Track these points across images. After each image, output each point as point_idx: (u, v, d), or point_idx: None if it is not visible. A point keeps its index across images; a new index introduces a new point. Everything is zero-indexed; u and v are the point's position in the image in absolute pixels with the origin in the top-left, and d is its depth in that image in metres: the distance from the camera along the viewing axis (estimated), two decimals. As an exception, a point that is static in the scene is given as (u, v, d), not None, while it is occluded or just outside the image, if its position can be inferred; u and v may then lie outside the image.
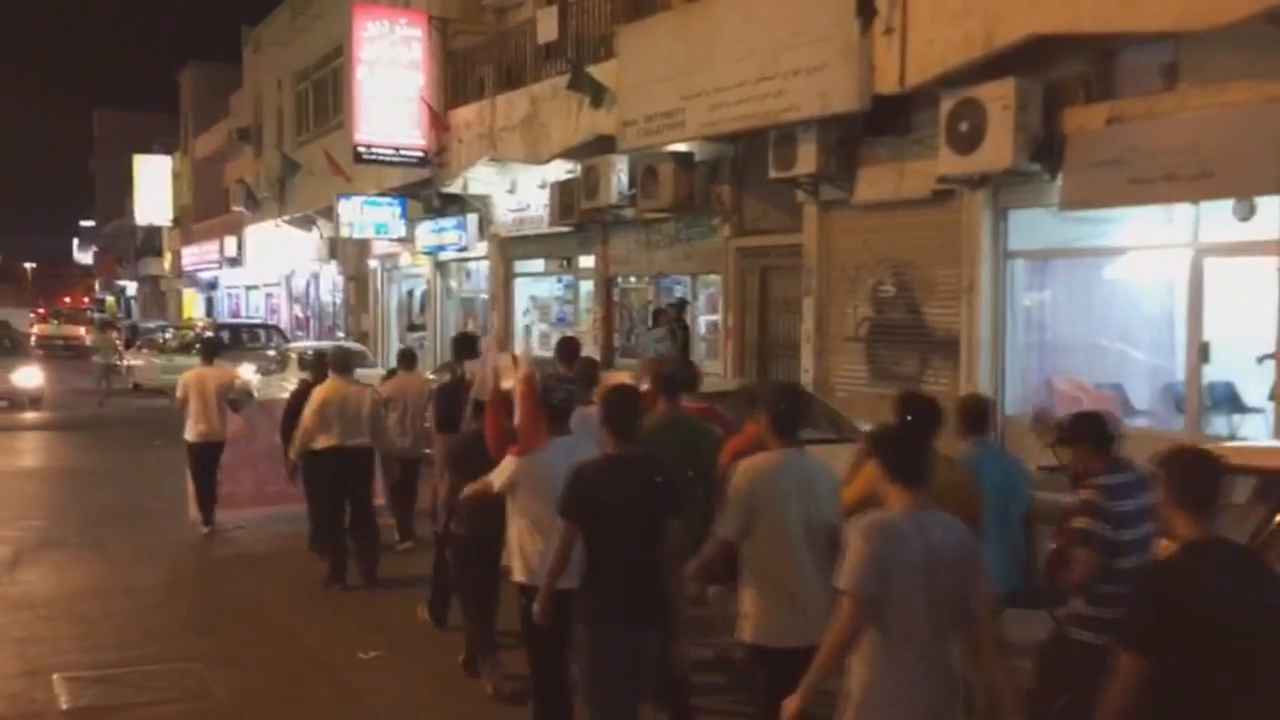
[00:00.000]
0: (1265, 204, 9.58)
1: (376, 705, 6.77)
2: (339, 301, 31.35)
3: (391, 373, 11.72)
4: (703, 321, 17.19)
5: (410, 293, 27.63)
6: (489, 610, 6.83)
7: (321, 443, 9.29)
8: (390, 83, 21.77)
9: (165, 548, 10.92)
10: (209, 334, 17.11)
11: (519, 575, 5.67)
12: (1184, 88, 10.00)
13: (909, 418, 5.36)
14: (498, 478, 5.78)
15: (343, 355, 10.30)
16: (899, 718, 3.75)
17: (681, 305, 16.63)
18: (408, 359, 11.42)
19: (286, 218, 30.99)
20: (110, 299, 71.29)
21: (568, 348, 8.95)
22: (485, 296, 23.30)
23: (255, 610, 8.72)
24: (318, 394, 9.50)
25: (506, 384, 6.34)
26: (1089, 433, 5.27)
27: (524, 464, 5.65)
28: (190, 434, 11.44)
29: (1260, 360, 9.83)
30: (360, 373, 10.97)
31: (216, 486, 11.43)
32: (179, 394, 11.62)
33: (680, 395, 6.58)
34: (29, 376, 23.02)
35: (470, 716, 6.52)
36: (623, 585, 4.89)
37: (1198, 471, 3.64)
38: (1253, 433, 10.23)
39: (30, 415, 21.85)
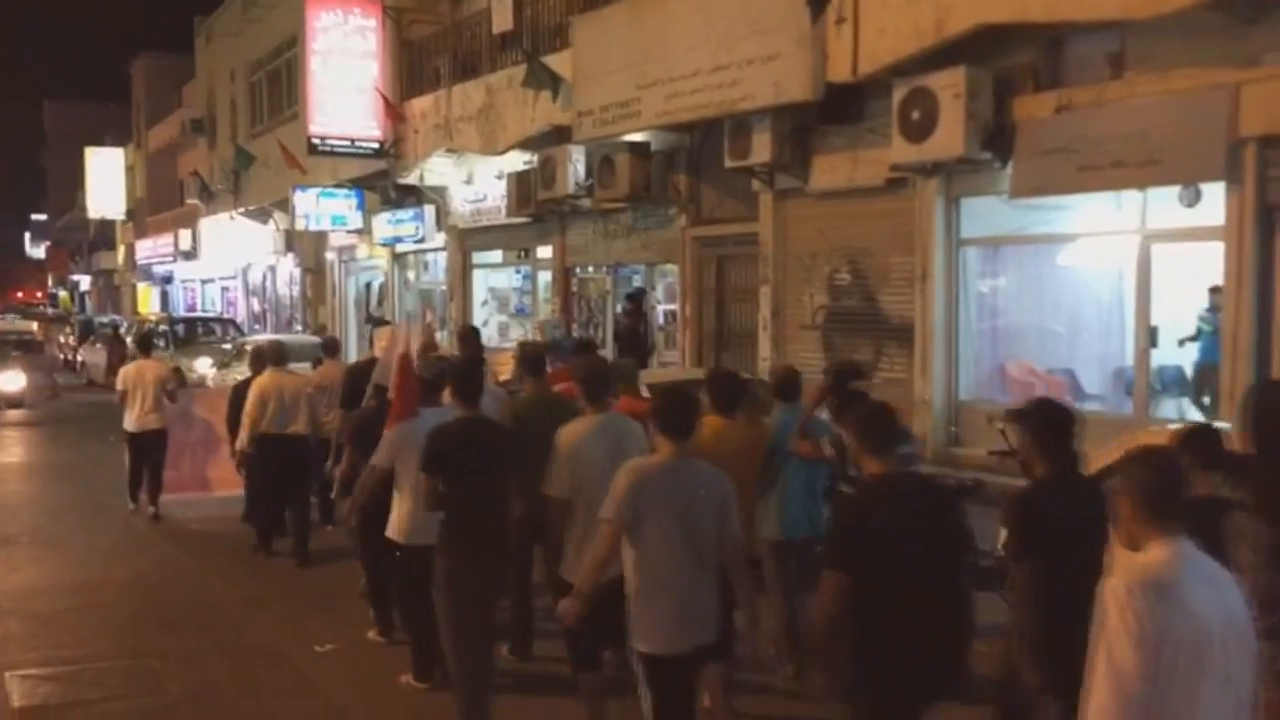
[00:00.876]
0: (1211, 191, 9.75)
1: (333, 698, 6.75)
2: (296, 294, 31.11)
3: (318, 362, 12.03)
4: (660, 311, 17.22)
5: (368, 285, 27.46)
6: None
7: (262, 429, 9.85)
8: (344, 73, 21.61)
9: (118, 543, 10.82)
10: (146, 327, 17.41)
11: (390, 532, 6.45)
12: (1131, 76, 10.14)
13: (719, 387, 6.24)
14: (378, 455, 6.46)
15: (277, 348, 10.71)
16: (656, 614, 4.61)
17: (640, 295, 16.65)
18: (332, 348, 11.80)
19: (241, 210, 30.70)
20: (64, 294, 70.31)
21: (466, 334, 9.88)
22: (443, 288, 23.21)
23: (210, 606, 8.66)
24: (256, 385, 10.00)
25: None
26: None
27: (393, 434, 6.41)
28: (129, 424, 11.72)
29: (1181, 343, 9.99)
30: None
31: (162, 473, 11.69)
32: (119, 387, 11.93)
33: (542, 374, 7.22)
34: (11, 380, 22.72)
35: (426, 709, 6.52)
36: (473, 531, 5.62)
37: (879, 420, 4.36)
38: (1199, 416, 10.40)
39: (11, 414, 21.55)
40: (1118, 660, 3.03)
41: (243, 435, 9.96)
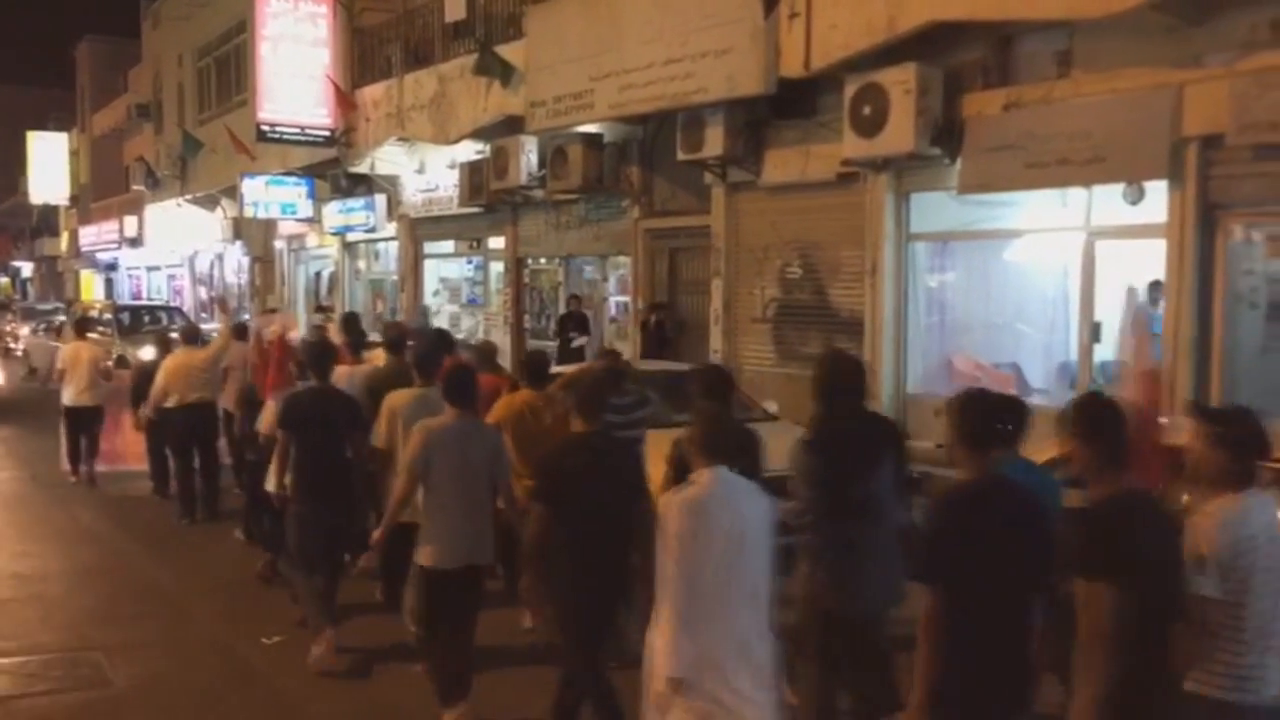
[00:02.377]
0: (1154, 189, 9.92)
1: (279, 688, 6.72)
2: (244, 283, 30.77)
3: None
4: (612, 303, 17.24)
5: (318, 274, 27.22)
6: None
7: (171, 401, 10.89)
8: (295, 60, 21.38)
9: (60, 534, 10.67)
10: (82, 313, 18.76)
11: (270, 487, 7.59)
12: (1078, 74, 10.29)
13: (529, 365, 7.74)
14: (263, 423, 7.98)
15: (191, 328, 12.42)
16: (445, 534, 5.79)
17: (660, 305, 15.41)
18: (241, 330, 12.34)
19: (189, 197, 30.29)
20: (4, 280, 68.98)
21: (348, 319, 11.74)
22: (395, 278, 23.07)
23: (155, 597, 8.57)
24: (168, 362, 11.15)
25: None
26: None
27: (271, 403, 7.84)
28: (67, 399, 12.78)
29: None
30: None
31: (97, 445, 12.84)
32: (58, 365, 13.15)
33: (401, 352, 8.39)
34: None
35: (374, 697, 6.51)
36: (322, 479, 6.89)
37: (599, 388, 5.56)
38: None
39: None
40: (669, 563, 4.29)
41: (148, 406, 11.11)
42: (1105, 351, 11.01)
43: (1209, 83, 9.16)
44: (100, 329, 20.41)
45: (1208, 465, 3.94)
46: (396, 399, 6.94)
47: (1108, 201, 10.47)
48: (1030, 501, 3.99)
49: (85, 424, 12.75)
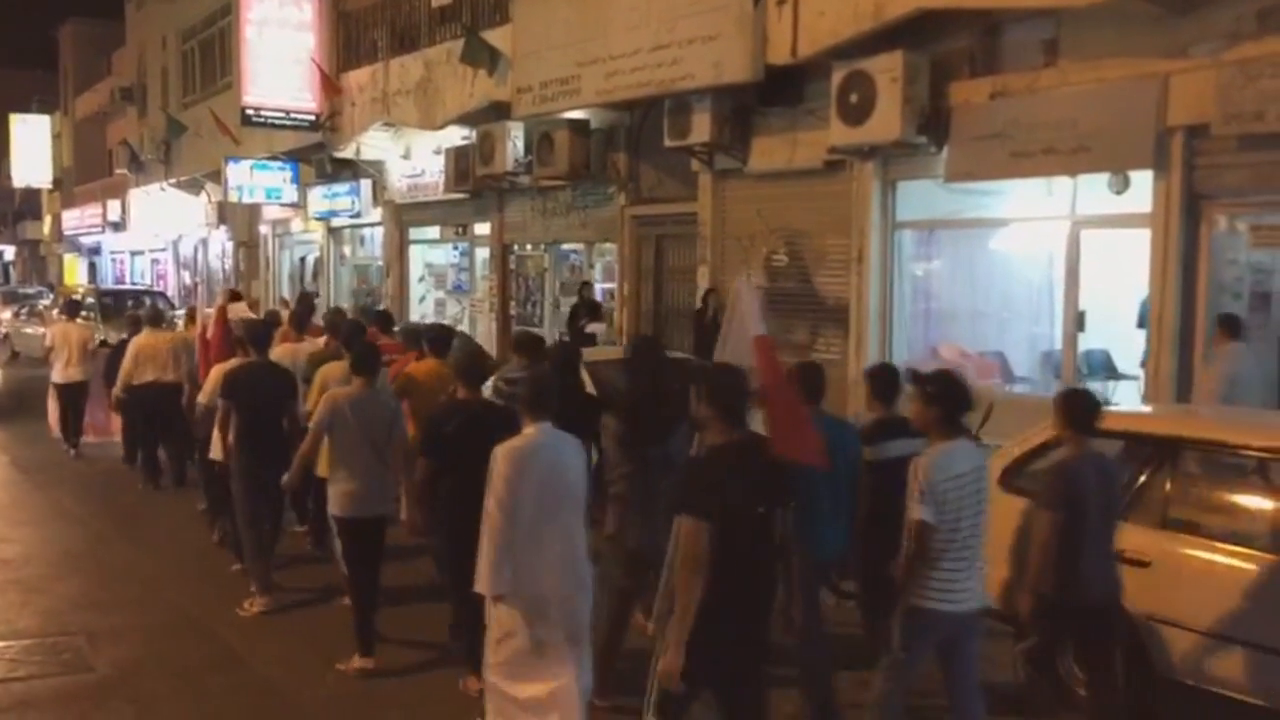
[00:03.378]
0: (1139, 178, 9.94)
1: (260, 670, 6.70)
2: (229, 268, 30.64)
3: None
4: (599, 290, 17.21)
5: (303, 259, 27.12)
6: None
7: (139, 379, 11.41)
8: (280, 43, 21.27)
9: (41, 519, 10.62)
10: (73, 297, 18.92)
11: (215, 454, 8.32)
12: (1064, 64, 10.29)
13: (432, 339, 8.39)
14: (204, 394, 8.59)
15: (155, 311, 12.79)
16: (351, 488, 6.67)
17: (709, 293, 14.21)
18: (190, 314, 13.51)
19: (173, 181, 30.11)
20: (-14, 264, 68.51)
21: (301, 301, 13.17)
22: (380, 263, 22.99)
23: (135, 580, 8.54)
24: (135, 342, 11.64)
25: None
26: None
27: (214, 373, 8.48)
28: (57, 376, 13.59)
29: (1143, 364, 10.03)
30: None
31: (83, 419, 13.64)
32: (48, 343, 14.13)
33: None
34: None
35: (353, 681, 6.50)
36: (261, 443, 7.71)
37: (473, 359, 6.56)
38: (1126, 398, 10.65)
39: None
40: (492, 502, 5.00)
41: (119, 384, 11.60)
42: (1090, 340, 11.06)
43: (1195, 72, 9.18)
44: (83, 313, 20.33)
45: (923, 418, 4.92)
46: (328, 372, 7.96)
47: (1093, 191, 10.49)
48: (767, 453, 4.53)
49: (73, 398, 13.59)
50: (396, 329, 11.85)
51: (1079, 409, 5.30)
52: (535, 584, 5.05)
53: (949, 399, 4.88)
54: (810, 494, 5.10)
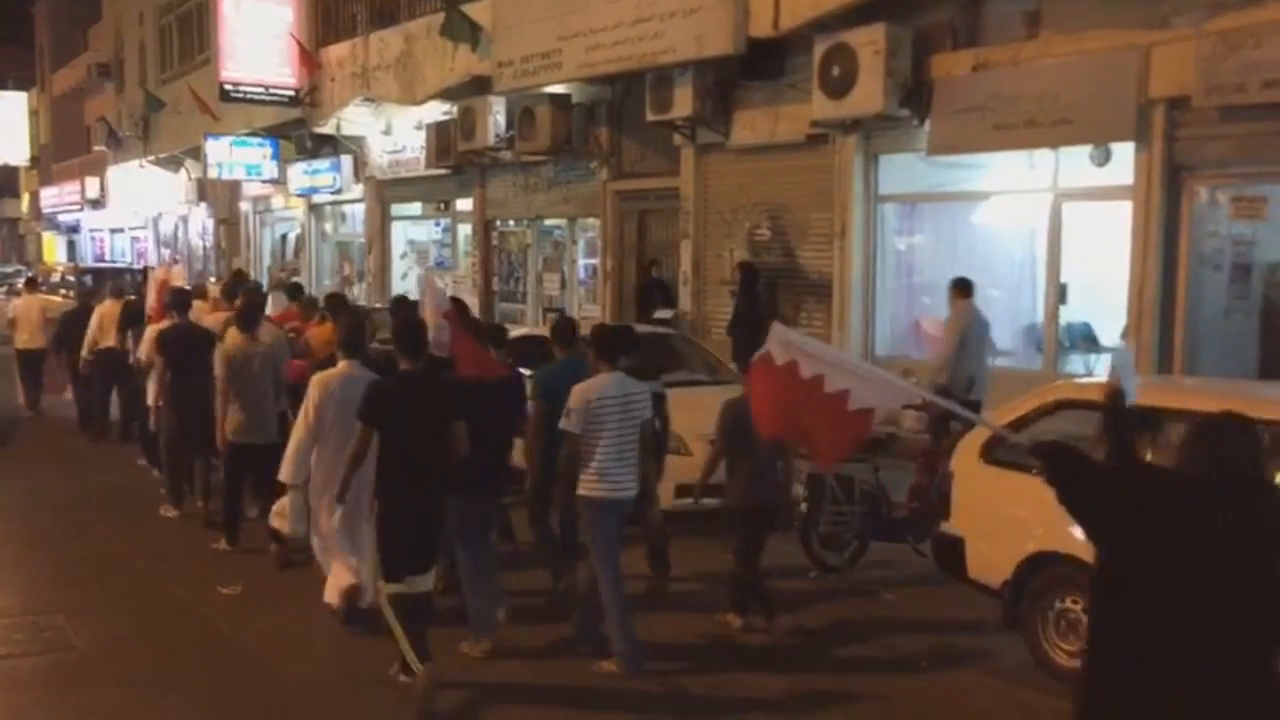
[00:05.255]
0: (1120, 151, 9.95)
1: (242, 646, 6.69)
2: (209, 245, 30.44)
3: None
4: (581, 266, 17.15)
5: (284, 236, 26.96)
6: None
7: (101, 344, 12.41)
8: (258, 18, 21.06)
9: (17, 499, 10.55)
10: (28, 272, 21.36)
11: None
12: (1046, 35, 10.28)
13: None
14: (143, 349, 10.08)
15: (117, 285, 13.80)
16: (240, 419, 8.31)
17: (749, 266, 13.42)
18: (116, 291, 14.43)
19: (151, 158, 29.87)
20: (-36, 243, 67.91)
21: (235, 278, 14.24)
22: (362, 240, 22.87)
23: (114, 558, 8.48)
24: (99, 311, 12.69)
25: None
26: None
27: (149, 332, 9.97)
28: (19, 344, 14.75)
29: (1123, 335, 10.08)
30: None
31: (41, 381, 14.89)
32: (9, 315, 15.16)
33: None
34: None
35: (338, 655, 6.49)
36: (182, 392, 9.06)
37: (355, 328, 7.28)
38: (1106, 371, 10.65)
39: None
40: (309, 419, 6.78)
41: (85, 348, 12.60)
42: (1072, 313, 11.07)
43: (1176, 44, 9.18)
44: (64, 291, 20.65)
45: (592, 359, 6.37)
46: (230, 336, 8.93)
47: (1075, 163, 10.50)
48: (431, 382, 6.08)
49: (33, 364, 14.77)
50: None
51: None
52: (323, 477, 6.80)
53: (603, 345, 6.31)
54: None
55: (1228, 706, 3.32)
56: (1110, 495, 3.48)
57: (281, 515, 7.53)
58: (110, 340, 12.21)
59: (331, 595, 6.87)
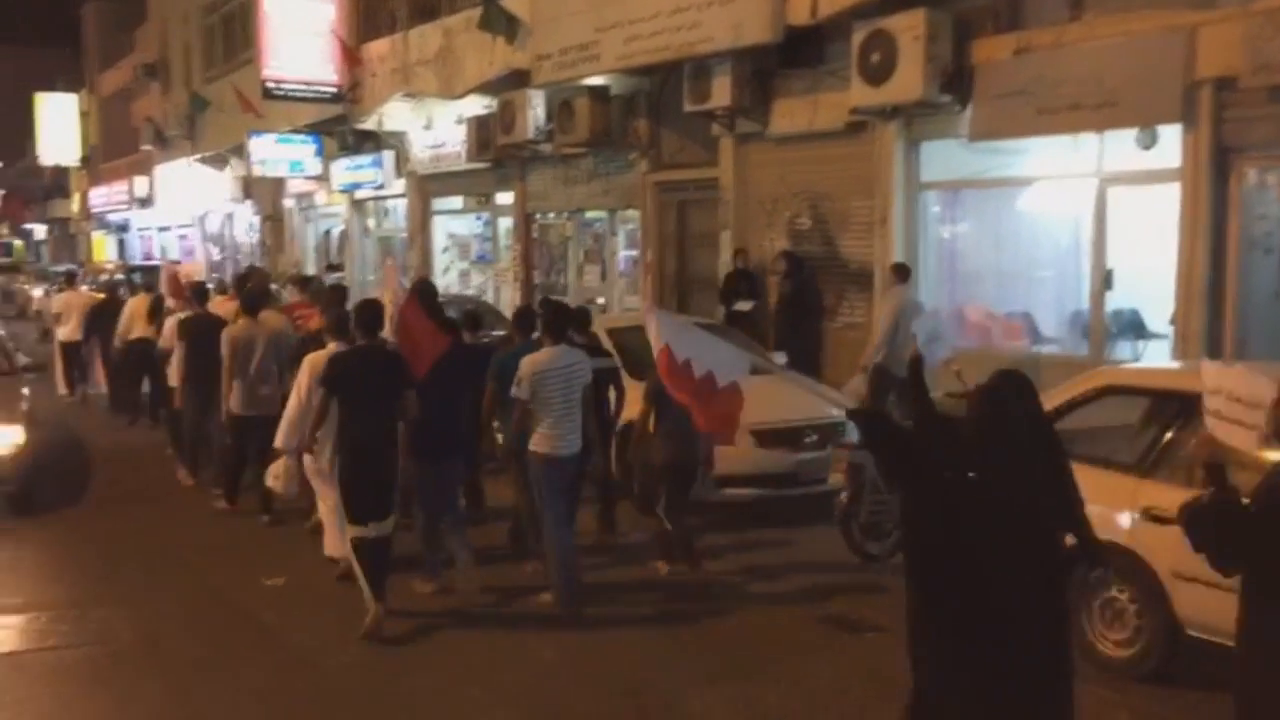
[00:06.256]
0: (1167, 133, 9.76)
1: (284, 636, 6.74)
2: (255, 241, 30.74)
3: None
4: (622, 257, 17.13)
5: (328, 232, 27.14)
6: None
7: (132, 335, 13.27)
8: (300, 15, 21.20)
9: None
10: (71, 268, 22.12)
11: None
12: (1089, 17, 10.11)
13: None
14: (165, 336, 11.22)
15: (148, 279, 15.44)
16: (241, 394, 9.24)
17: (792, 256, 13.38)
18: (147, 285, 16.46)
19: (198, 156, 30.16)
20: (18, 243, 69.04)
21: (248, 271, 16.01)
22: (404, 235, 22.98)
23: (155, 548, 8.60)
24: (130, 304, 13.86)
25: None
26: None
27: (169, 322, 11.06)
28: (62, 336, 15.80)
29: (1171, 322, 9.96)
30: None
31: (86, 373, 15.71)
32: (55, 309, 16.51)
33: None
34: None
35: (388, 647, 6.53)
36: (201, 374, 9.82)
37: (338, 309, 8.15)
38: (1156, 357, 10.50)
39: None
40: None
41: (118, 339, 13.61)
42: (1118, 299, 10.90)
43: (1223, 24, 8.99)
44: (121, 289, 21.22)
45: (545, 334, 7.25)
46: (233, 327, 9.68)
47: (1120, 147, 10.31)
48: (382, 355, 6.97)
49: (76, 354, 15.68)
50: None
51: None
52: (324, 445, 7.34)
53: (550, 322, 7.22)
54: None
55: (1018, 672, 3.59)
56: (909, 463, 3.78)
57: (275, 477, 8.23)
58: (140, 331, 13.04)
59: (331, 549, 7.73)
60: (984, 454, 3.63)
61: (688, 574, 7.79)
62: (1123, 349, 11.01)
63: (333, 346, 7.49)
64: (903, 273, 11.32)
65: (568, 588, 7.05)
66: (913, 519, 3.79)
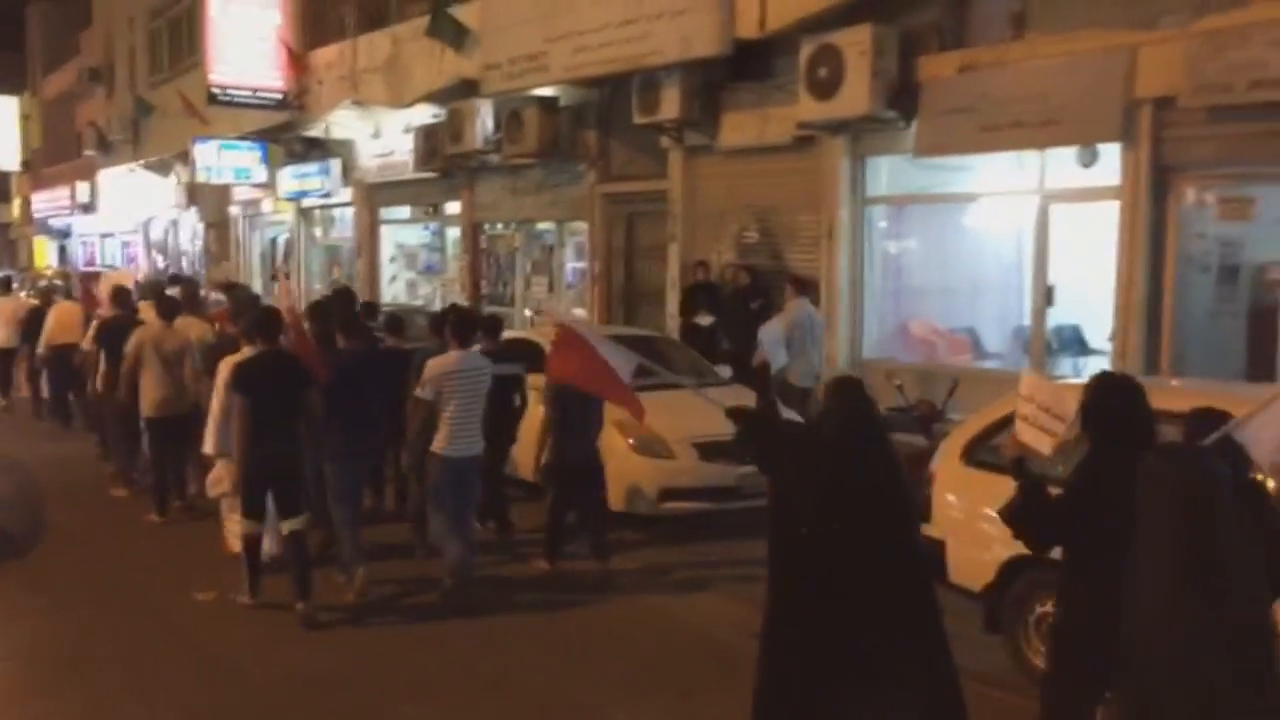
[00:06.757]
0: (1108, 151, 9.88)
1: (213, 650, 6.59)
2: (199, 249, 30.31)
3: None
4: (570, 269, 17.07)
5: (274, 240, 26.83)
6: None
7: (58, 340, 13.36)
8: (246, 21, 20.95)
9: None
10: (7, 274, 21.59)
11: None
12: (1033, 36, 10.22)
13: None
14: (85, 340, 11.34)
15: (65, 287, 15.89)
16: (153, 396, 9.44)
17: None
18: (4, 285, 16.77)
19: (142, 162, 29.72)
20: (-43, 248, 67.71)
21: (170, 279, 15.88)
22: (351, 244, 22.76)
23: (87, 561, 8.40)
24: (55, 310, 13.98)
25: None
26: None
27: (91, 326, 11.19)
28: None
29: (1111, 338, 10.07)
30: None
31: (12, 378, 15.79)
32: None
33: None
34: None
35: (307, 661, 6.40)
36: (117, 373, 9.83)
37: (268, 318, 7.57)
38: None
39: None
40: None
41: (42, 347, 13.73)
42: (1060, 315, 11.01)
43: (1163, 44, 9.11)
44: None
45: (452, 338, 7.56)
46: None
47: (1062, 164, 10.43)
48: (284, 358, 7.26)
49: (4, 361, 15.73)
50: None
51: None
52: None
53: (456, 328, 7.52)
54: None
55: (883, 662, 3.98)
56: (773, 458, 4.29)
57: (218, 481, 8.10)
58: (67, 337, 13.05)
59: (233, 543, 7.87)
60: (845, 441, 4.12)
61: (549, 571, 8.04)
62: (1064, 365, 11.11)
63: (247, 350, 7.57)
64: (801, 284, 11.69)
65: (460, 567, 7.41)
66: (779, 507, 4.26)
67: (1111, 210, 9.80)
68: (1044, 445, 4.20)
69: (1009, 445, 4.42)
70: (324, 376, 7.30)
